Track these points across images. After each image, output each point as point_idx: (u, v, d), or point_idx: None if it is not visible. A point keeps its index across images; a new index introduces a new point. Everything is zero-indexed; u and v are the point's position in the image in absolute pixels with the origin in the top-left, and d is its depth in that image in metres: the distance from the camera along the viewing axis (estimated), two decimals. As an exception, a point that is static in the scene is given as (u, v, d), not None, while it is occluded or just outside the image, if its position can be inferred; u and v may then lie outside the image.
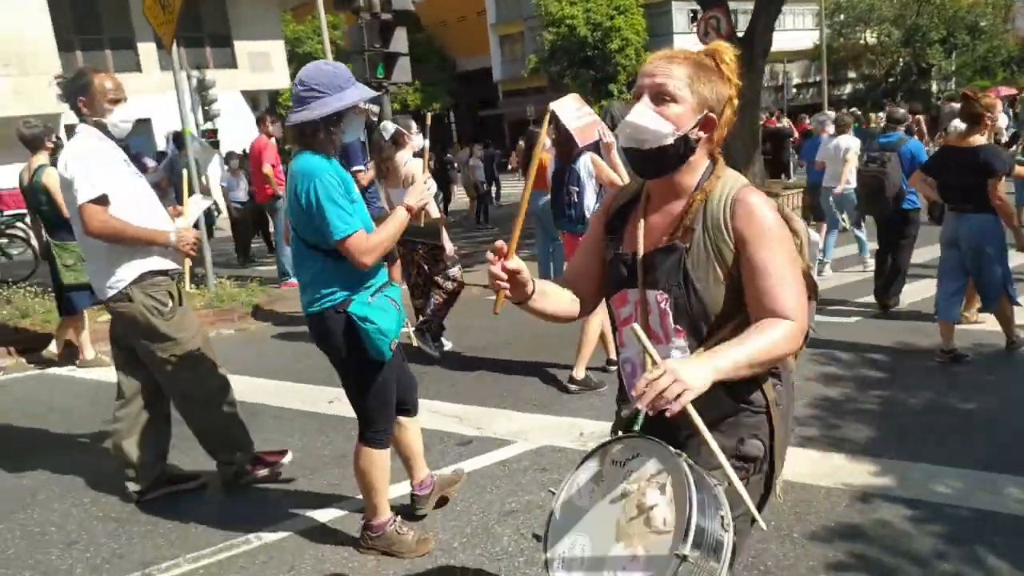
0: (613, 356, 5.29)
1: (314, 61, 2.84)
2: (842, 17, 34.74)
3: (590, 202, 4.90)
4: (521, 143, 19.41)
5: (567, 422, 4.52)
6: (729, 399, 1.66)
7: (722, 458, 1.46)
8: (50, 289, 6.57)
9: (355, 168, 6.49)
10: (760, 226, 1.58)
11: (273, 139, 8.73)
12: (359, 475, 3.04)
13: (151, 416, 3.66)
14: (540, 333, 6.60)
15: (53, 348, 6.50)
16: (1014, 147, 9.28)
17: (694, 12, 27.67)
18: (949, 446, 3.91)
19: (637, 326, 1.50)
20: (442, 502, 3.51)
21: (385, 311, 2.84)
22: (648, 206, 1.75)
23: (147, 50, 22.76)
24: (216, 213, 12.88)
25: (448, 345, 6.16)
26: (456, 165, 18.24)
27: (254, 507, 3.67)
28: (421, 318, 6.00)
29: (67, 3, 21.70)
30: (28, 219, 7.79)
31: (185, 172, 4.51)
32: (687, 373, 1.41)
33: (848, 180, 7.91)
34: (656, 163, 1.65)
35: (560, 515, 1.59)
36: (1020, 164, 6.95)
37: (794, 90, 33.04)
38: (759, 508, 1.67)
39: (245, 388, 5.13)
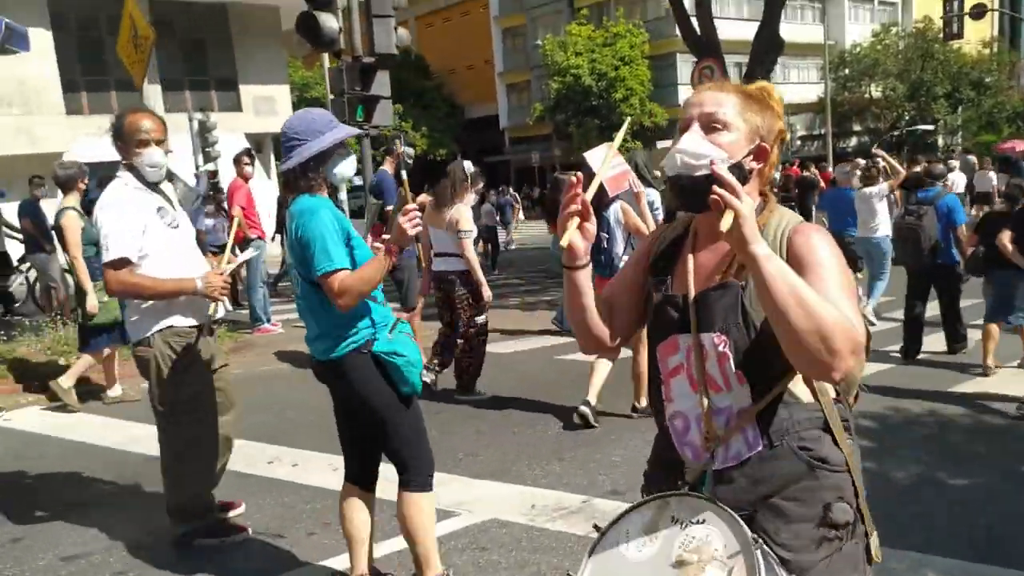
0: (642, 403, 5.24)
1: (300, 110, 2.86)
2: (847, 71, 34.87)
3: (619, 249, 5.16)
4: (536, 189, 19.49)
5: (520, 492, 4.18)
6: (801, 456, 1.51)
7: None
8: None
9: (389, 207, 6.40)
10: (816, 254, 1.47)
11: (250, 181, 8.54)
12: (407, 529, 2.87)
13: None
14: (513, 386, 6.30)
15: (64, 382, 6.07)
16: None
17: (747, 68, 27.88)
18: (938, 530, 3.54)
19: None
20: None
21: (408, 344, 2.83)
22: (696, 244, 1.65)
23: (152, 92, 22.86)
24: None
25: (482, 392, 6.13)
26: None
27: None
28: (436, 359, 6.06)
29: (73, 43, 21.89)
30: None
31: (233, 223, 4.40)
32: (750, 214, 1.38)
33: (880, 228, 8.03)
34: (707, 193, 1.45)
35: (601, 557, 1.50)
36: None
37: (798, 142, 33.02)
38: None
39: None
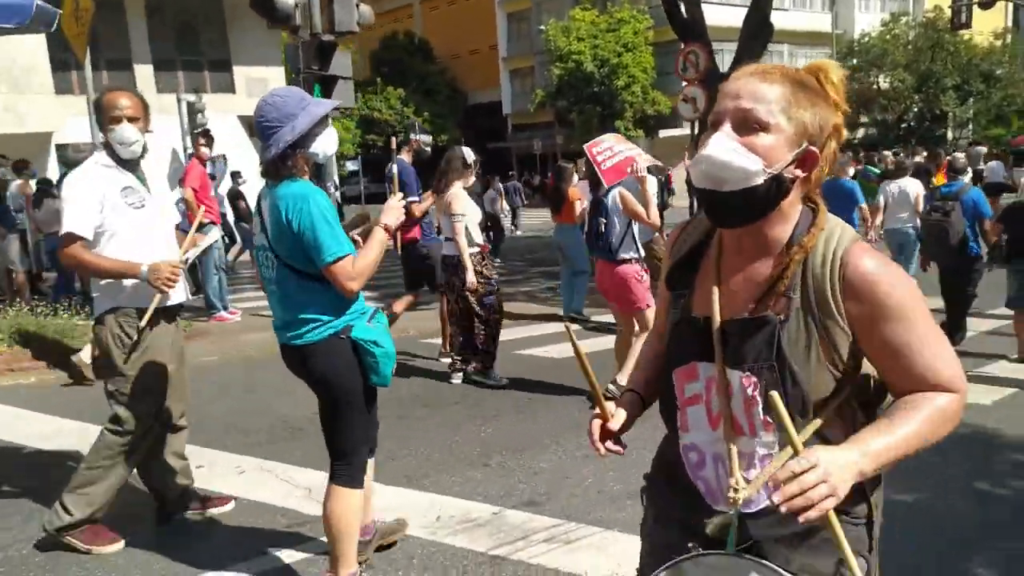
0: (622, 379, 5.23)
1: (268, 93, 2.71)
2: (854, 61, 34.20)
3: (618, 233, 5.26)
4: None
5: (430, 501, 3.90)
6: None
7: None
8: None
9: (410, 199, 6.31)
10: (889, 301, 1.26)
11: (208, 162, 8.27)
12: (331, 520, 2.81)
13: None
14: (444, 397, 6.02)
15: (84, 356, 6.11)
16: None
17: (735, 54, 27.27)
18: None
19: (776, 395, 1.17)
20: (383, 548, 3.33)
21: (386, 335, 2.81)
22: (723, 260, 1.41)
23: (144, 71, 22.66)
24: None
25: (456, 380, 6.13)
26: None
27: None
28: (458, 349, 6.10)
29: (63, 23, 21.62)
30: None
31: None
32: (838, 471, 1.15)
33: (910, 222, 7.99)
34: (739, 210, 1.30)
35: None
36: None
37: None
38: None
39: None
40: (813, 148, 1.31)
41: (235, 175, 14.18)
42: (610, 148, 5.21)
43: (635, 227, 5.33)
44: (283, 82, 26.05)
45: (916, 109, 35.17)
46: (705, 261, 1.45)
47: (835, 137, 1.35)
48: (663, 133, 32.40)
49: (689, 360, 1.42)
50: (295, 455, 4.54)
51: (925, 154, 16.07)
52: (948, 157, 9.55)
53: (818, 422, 1.32)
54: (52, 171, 17.43)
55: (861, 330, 1.30)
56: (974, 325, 7.21)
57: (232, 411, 5.56)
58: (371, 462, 3.05)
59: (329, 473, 2.85)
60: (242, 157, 23.86)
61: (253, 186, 15.53)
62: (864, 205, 7.81)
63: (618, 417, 1.53)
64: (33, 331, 6.88)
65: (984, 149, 21.42)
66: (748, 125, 1.28)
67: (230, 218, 13.13)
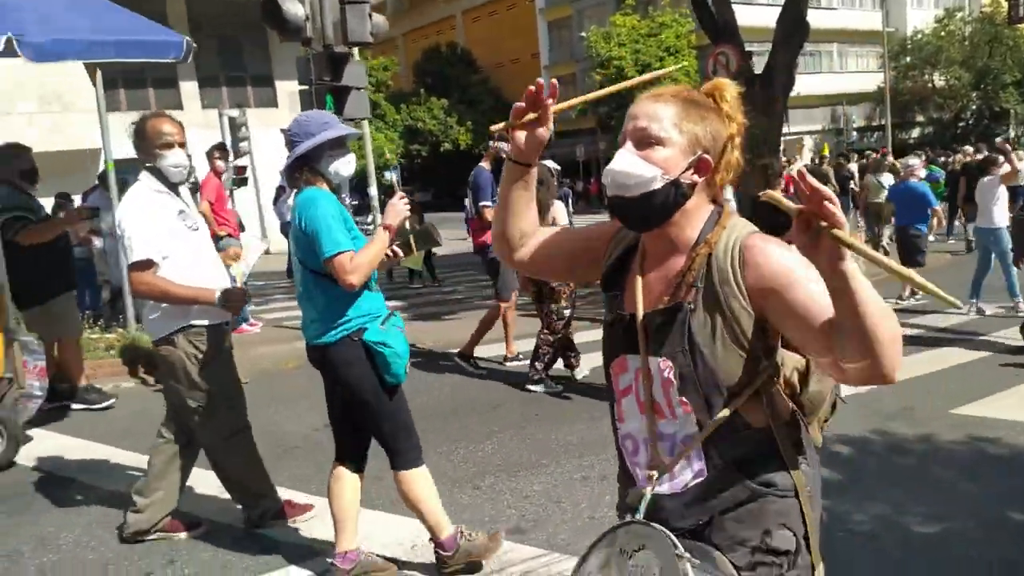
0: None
1: (303, 111, 3.09)
2: (908, 59, 33.17)
3: None
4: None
5: (411, 527, 3.66)
6: (746, 481, 1.46)
7: None
8: None
9: (482, 203, 6.45)
10: (781, 269, 1.37)
11: (224, 176, 8.27)
12: (408, 501, 3.07)
13: (184, 458, 3.64)
14: (460, 400, 5.82)
15: None
16: None
17: (750, 52, 26.70)
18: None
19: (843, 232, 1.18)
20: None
21: (398, 336, 2.96)
22: (645, 262, 1.56)
23: (189, 88, 23.18)
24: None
25: (584, 373, 6.24)
26: None
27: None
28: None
29: (113, 43, 22.23)
30: None
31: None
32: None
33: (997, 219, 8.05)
34: (643, 212, 1.47)
35: None
36: None
37: (855, 134, 31.55)
38: None
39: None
40: (706, 156, 1.46)
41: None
42: None
43: None
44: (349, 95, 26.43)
45: (974, 107, 33.87)
46: (632, 265, 1.58)
47: (732, 146, 1.49)
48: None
49: (620, 353, 1.56)
50: (282, 475, 4.39)
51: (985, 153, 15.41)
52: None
53: (747, 392, 1.44)
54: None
55: (764, 300, 1.39)
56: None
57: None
58: (356, 480, 3.18)
59: (390, 465, 3.08)
60: (282, 167, 24.35)
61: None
62: (938, 207, 7.51)
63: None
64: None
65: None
66: (646, 141, 1.44)
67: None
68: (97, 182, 9.26)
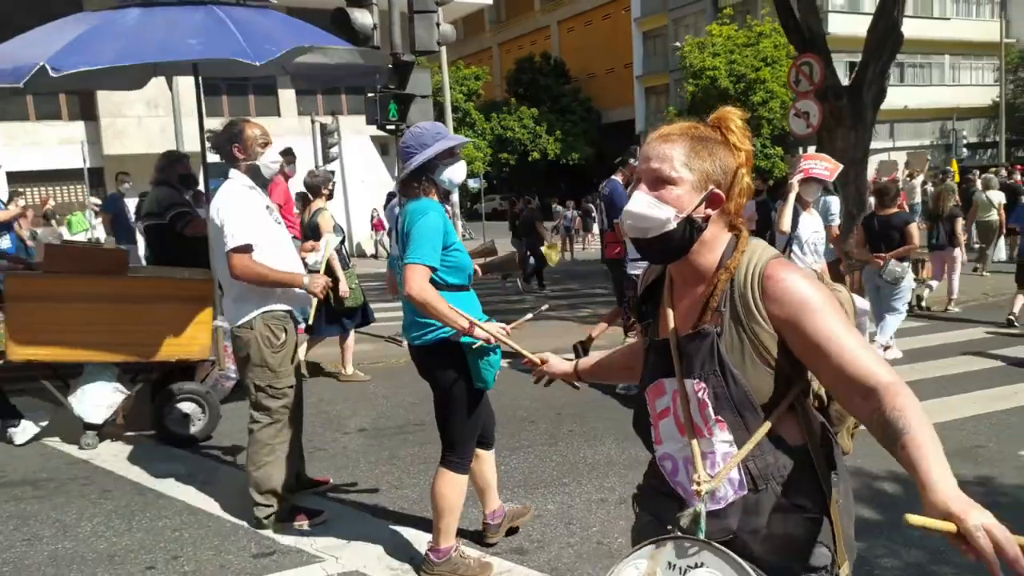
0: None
1: (417, 123, 3.25)
2: (1028, 71, 31.10)
3: (779, 245, 5.42)
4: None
5: (408, 539, 3.64)
6: (783, 499, 1.51)
7: None
8: None
9: (616, 219, 6.49)
10: (800, 300, 1.45)
11: (290, 179, 8.46)
12: (437, 497, 3.19)
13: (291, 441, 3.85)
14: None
15: (347, 368, 6.96)
16: None
17: (851, 63, 25.51)
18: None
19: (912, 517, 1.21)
20: (512, 531, 3.63)
21: (492, 345, 3.02)
22: (674, 289, 1.65)
23: (286, 96, 24.04)
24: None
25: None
26: (594, 214, 18.72)
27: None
28: None
29: (218, 51, 23.28)
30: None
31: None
32: (985, 513, 1.14)
33: None
34: (663, 250, 1.56)
35: None
36: None
37: (965, 150, 29.75)
38: None
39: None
40: (717, 191, 1.53)
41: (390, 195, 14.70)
42: (803, 160, 5.77)
43: (800, 247, 5.58)
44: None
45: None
46: (662, 292, 1.68)
47: (742, 174, 1.56)
48: (804, 153, 30.70)
49: (657, 378, 1.64)
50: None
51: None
52: None
53: (781, 408, 1.52)
54: (201, 187, 18.80)
55: (784, 329, 1.47)
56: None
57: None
58: (491, 455, 3.48)
59: (440, 458, 3.23)
60: (370, 173, 24.90)
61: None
62: None
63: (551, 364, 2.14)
64: None
65: None
66: (658, 181, 1.52)
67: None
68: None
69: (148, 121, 22.28)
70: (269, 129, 3.94)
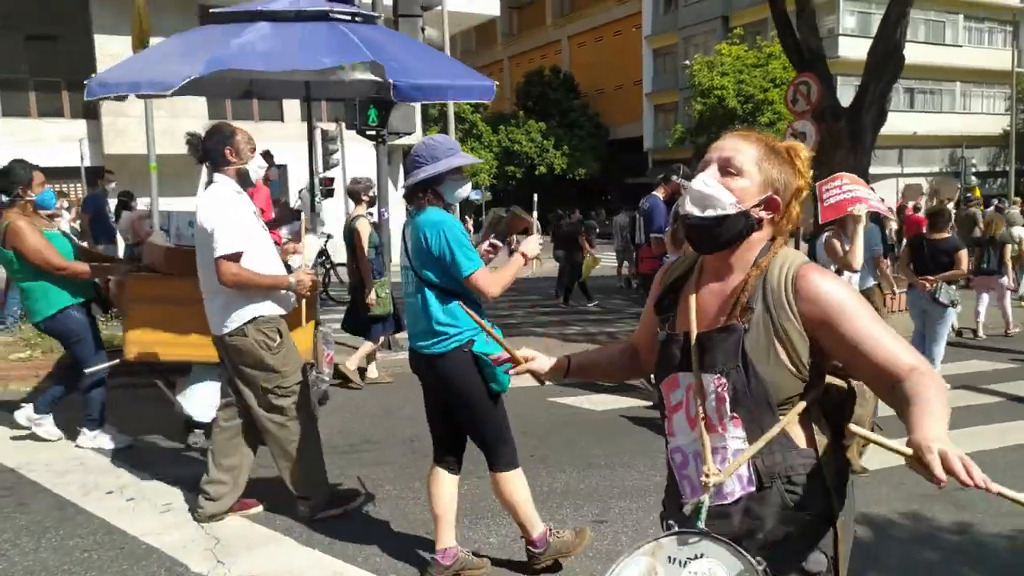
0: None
1: (428, 135, 3.15)
2: (1041, 102, 30.78)
3: None
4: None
5: (333, 567, 3.38)
6: (787, 501, 1.54)
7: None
8: None
9: (654, 234, 6.44)
10: (834, 300, 1.50)
11: (270, 184, 8.30)
12: (504, 500, 3.27)
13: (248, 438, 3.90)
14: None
15: (350, 363, 6.91)
16: None
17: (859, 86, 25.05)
18: None
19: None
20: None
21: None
22: (700, 283, 1.67)
23: (290, 102, 23.96)
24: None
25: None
26: (597, 229, 18.52)
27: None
28: None
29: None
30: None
31: (303, 215, 5.05)
32: (947, 442, 1.27)
33: None
34: (713, 235, 1.59)
35: None
36: None
37: (974, 179, 29.48)
38: None
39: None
40: (776, 197, 1.60)
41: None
42: (839, 187, 5.12)
43: (850, 277, 5.09)
44: (419, 116, 26.80)
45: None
46: (686, 288, 1.69)
47: (797, 200, 1.63)
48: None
49: (673, 372, 1.65)
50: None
51: None
52: None
53: (798, 409, 1.56)
54: (201, 188, 18.70)
55: (818, 329, 1.51)
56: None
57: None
58: (454, 480, 3.37)
59: (488, 465, 3.26)
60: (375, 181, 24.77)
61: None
62: None
63: (538, 361, 1.95)
64: None
65: None
66: (727, 170, 1.59)
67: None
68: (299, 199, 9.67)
69: (151, 122, 22.22)
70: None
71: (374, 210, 9.39)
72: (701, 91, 31.18)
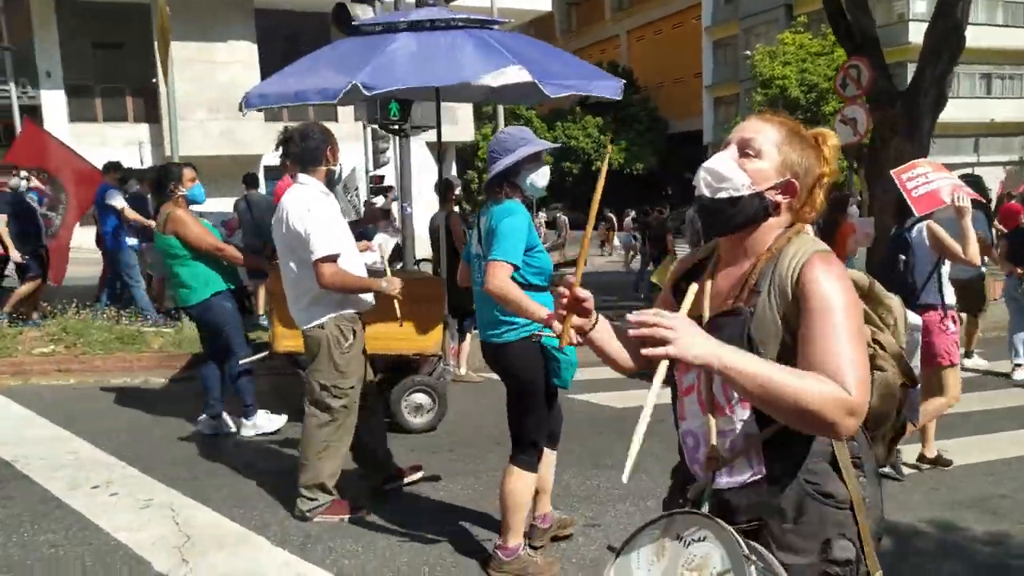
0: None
1: (506, 128, 3.32)
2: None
3: (921, 272, 4.54)
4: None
5: (299, 569, 3.25)
6: (806, 489, 1.49)
7: None
8: None
9: None
10: (819, 294, 1.43)
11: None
12: (506, 495, 3.21)
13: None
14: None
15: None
16: None
17: (916, 69, 23.81)
18: None
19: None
20: (557, 539, 3.60)
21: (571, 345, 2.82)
22: (716, 268, 1.64)
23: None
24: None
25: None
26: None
27: None
28: None
29: (278, 55, 23.60)
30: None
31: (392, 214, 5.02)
32: (689, 336, 1.35)
33: None
34: (725, 216, 1.55)
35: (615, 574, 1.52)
36: None
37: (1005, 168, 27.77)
38: None
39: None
40: (794, 181, 1.54)
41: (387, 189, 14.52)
42: (924, 175, 4.75)
43: (944, 269, 4.64)
44: (471, 111, 26.81)
45: None
46: (704, 273, 1.65)
47: (820, 186, 1.58)
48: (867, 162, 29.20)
49: None
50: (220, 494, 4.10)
51: None
52: None
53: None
54: (261, 190, 19.10)
55: (800, 317, 1.45)
56: None
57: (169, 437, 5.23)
58: (553, 454, 3.47)
59: (510, 456, 3.24)
60: (422, 176, 24.91)
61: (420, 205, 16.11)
62: None
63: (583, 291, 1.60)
64: None
65: None
66: (745, 150, 1.54)
67: None
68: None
69: (209, 124, 22.76)
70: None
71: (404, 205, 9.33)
72: (762, 82, 30.26)
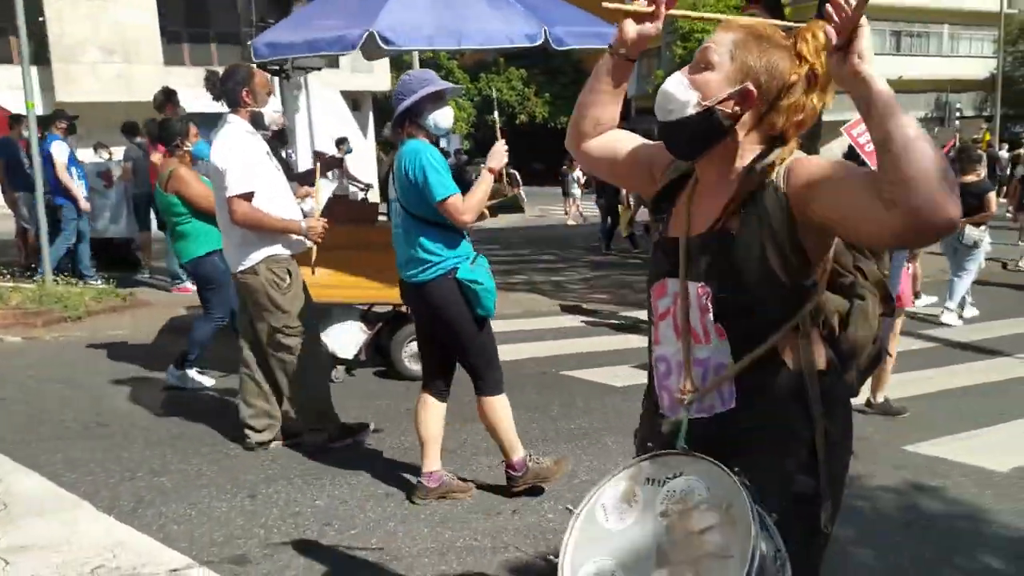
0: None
1: (410, 71, 3.38)
2: (1028, 44, 30.06)
3: None
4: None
5: (118, 536, 3.04)
6: (772, 422, 1.46)
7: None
8: None
9: None
10: (817, 165, 1.37)
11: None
12: (488, 425, 3.35)
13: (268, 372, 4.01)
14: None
15: None
16: None
17: (895, 32, 23.93)
18: None
19: None
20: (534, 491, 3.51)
21: (486, 274, 3.24)
22: (696, 189, 1.55)
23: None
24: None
25: None
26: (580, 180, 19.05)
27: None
28: None
29: (178, -4, 22.29)
30: None
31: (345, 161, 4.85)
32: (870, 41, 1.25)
33: None
34: (680, 140, 1.48)
35: (580, 537, 1.43)
36: None
37: (957, 122, 28.89)
38: (807, 550, 1.46)
39: None
40: (751, 88, 1.41)
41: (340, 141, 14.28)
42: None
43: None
44: (387, 61, 26.01)
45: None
46: (682, 192, 1.58)
47: (799, 87, 1.42)
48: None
49: (661, 277, 1.57)
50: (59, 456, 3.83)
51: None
52: None
53: (788, 326, 1.44)
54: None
55: (808, 198, 1.36)
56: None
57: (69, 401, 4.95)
58: (442, 407, 3.41)
59: (474, 389, 3.33)
60: (343, 127, 24.16)
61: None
62: None
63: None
64: None
65: None
66: (699, 64, 1.45)
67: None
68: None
69: (103, 67, 21.38)
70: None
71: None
72: (682, 35, 30.37)
